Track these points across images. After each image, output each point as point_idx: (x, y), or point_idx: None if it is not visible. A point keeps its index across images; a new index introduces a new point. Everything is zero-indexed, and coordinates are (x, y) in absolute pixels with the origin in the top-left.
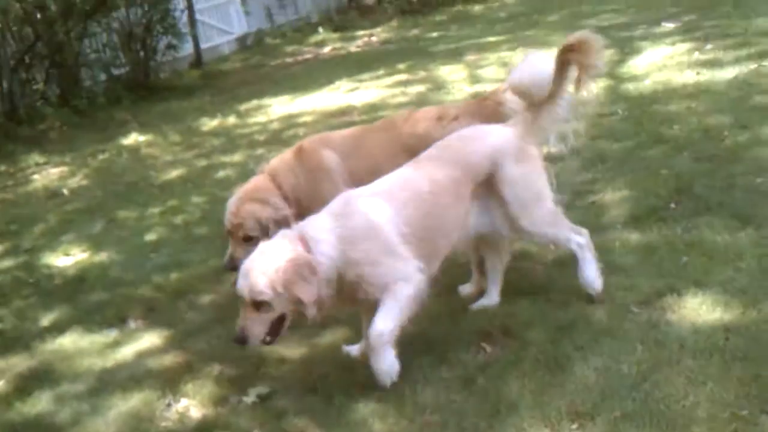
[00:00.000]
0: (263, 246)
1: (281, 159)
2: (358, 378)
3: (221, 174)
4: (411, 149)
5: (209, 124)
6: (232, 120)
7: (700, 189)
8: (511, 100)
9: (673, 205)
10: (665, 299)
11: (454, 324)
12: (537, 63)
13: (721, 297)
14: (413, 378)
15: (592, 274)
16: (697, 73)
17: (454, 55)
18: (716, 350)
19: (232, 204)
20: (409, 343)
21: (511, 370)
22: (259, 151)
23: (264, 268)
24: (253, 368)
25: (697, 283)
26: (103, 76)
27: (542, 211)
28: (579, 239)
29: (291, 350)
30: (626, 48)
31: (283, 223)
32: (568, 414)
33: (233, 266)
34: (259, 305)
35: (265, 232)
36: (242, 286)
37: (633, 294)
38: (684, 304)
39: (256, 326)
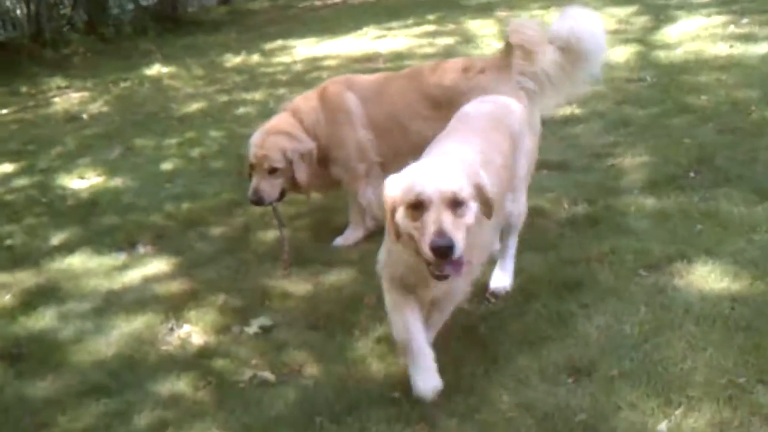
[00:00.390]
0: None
1: (305, 98)
2: (361, 319)
3: (241, 110)
4: (434, 99)
5: (233, 60)
6: (256, 58)
7: (721, 160)
8: (541, 60)
9: (692, 174)
10: (674, 265)
11: None
12: (579, 17)
13: (731, 267)
14: None
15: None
16: (731, 46)
17: (485, 10)
18: (720, 318)
19: (256, 137)
20: None
21: (513, 322)
22: (281, 91)
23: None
24: (257, 300)
25: (708, 251)
26: (130, 6)
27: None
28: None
29: (296, 286)
30: (661, 15)
31: (307, 156)
32: (565, 368)
33: (258, 199)
34: (273, 171)
35: (290, 165)
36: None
37: (643, 257)
38: (693, 271)
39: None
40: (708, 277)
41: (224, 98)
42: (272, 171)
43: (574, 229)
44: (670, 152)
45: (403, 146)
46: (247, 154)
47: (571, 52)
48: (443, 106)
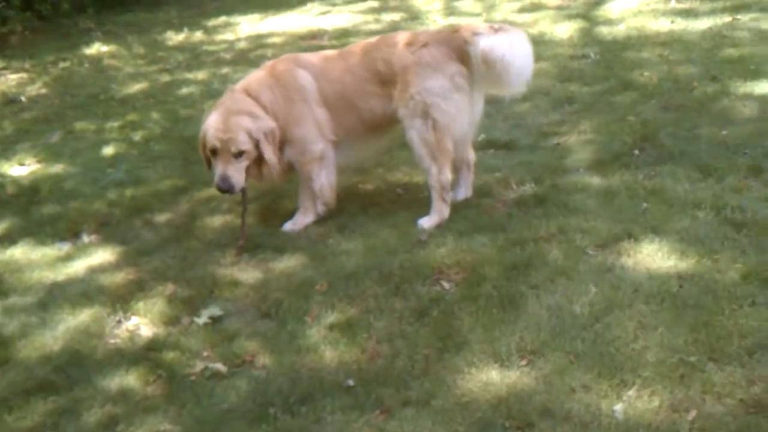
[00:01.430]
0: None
1: (255, 76)
2: (312, 306)
3: (184, 91)
4: (381, 76)
5: (175, 38)
6: (198, 36)
7: (665, 137)
8: (480, 44)
9: (636, 152)
10: (622, 244)
11: (410, 257)
12: (512, 46)
13: (678, 245)
14: (366, 307)
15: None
16: (672, 22)
17: None
18: (669, 296)
19: (215, 120)
20: (364, 274)
21: (465, 305)
22: (225, 69)
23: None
24: (206, 290)
25: (654, 229)
26: None
27: None
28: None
29: (246, 274)
30: None
31: (271, 135)
32: (518, 350)
33: (229, 186)
34: (239, 155)
35: (256, 146)
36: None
37: (590, 237)
38: (640, 249)
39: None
40: (655, 256)
41: (166, 78)
42: (238, 155)
43: (522, 209)
44: (615, 130)
45: (354, 124)
46: (203, 138)
47: (494, 72)
48: (389, 82)
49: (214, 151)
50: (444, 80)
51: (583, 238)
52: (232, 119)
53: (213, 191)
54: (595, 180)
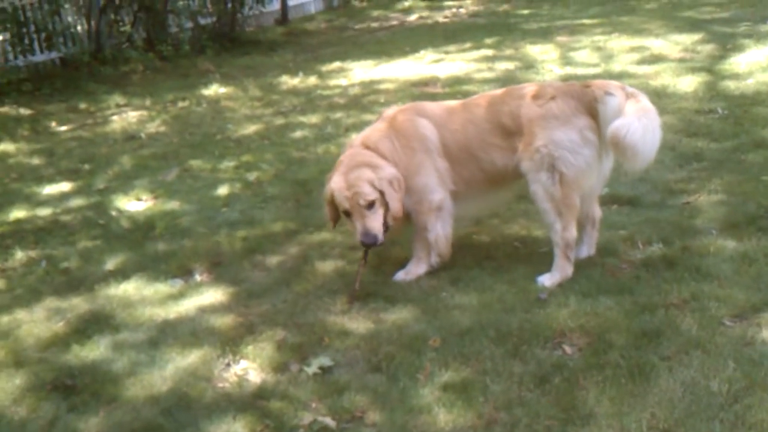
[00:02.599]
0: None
1: (373, 128)
2: (425, 363)
3: (298, 134)
4: (505, 128)
5: (289, 82)
6: (312, 80)
7: None
8: (610, 104)
9: None
10: (762, 315)
11: (529, 317)
12: (643, 131)
13: None
14: (483, 368)
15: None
16: None
17: (545, 35)
18: None
19: (338, 181)
20: (479, 332)
21: (590, 374)
22: (338, 114)
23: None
24: (316, 337)
25: None
26: (189, 24)
27: None
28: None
29: (356, 323)
30: (728, 44)
31: (396, 182)
32: (649, 428)
33: (373, 239)
34: (370, 206)
35: (382, 195)
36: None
37: (727, 306)
38: None
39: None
40: None
41: (281, 121)
42: (369, 206)
43: (650, 271)
44: (748, 190)
45: (474, 176)
46: (330, 199)
47: (619, 152)
48: (514, 134)
49: (347, 212)
50: (573, 133)
51: (719, 307)
52: (353, 174)
53: (325, 235)
54: (730, 243)
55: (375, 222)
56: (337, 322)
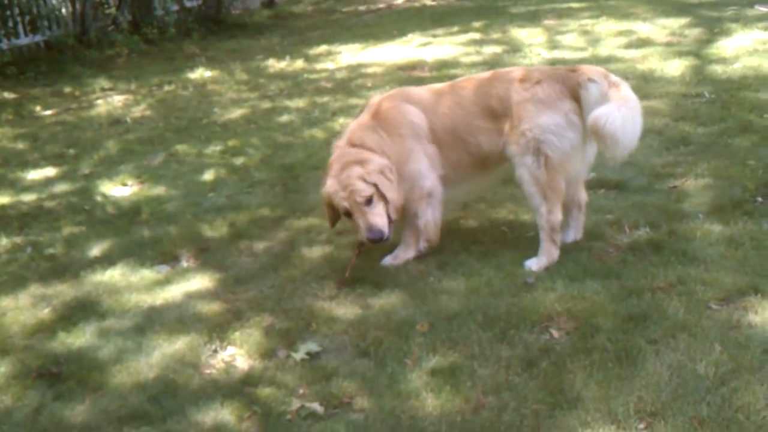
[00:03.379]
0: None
1: (358, 123)
2: (412, 347)
3: (284, 118)
4: (493, 110)
5: (276, 65)
6: (299, 64)
7: None
8: (593, 91)
9: (760, 199)
10: (748, 298)
11: (516, 301)
12: (623, 118)
13: None
14: (470, 353)
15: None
16: None
17: (532, 18)
18: None
19: (331, 184)
20: (467, 316)
21: (578, 358)
22: (325, 98)
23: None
24: (303, 323)
25: None
26: (175, 7)
27: None
28: None
29: (344, 309)
30: (715, 28)
31: (386, 171)
32: (636, 412)
33: (379, 233)
34: (368, 202)
35: (377, 188)
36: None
37: (713, 289)
38: None
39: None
40: None
41: (267, 105)
42: (368, 202)
43: (637, 255)
44: (735, 174)
45: (461, 160)
46: (329, 202)
47: (599, 140)
48: (500, 117)
49: (348, 213)
50: (558, 117)
51: (705, 291)
52: (344, 174)
53: (312, 220)
54: (716, 227)
55: (377, 217)
56: (324, 308)
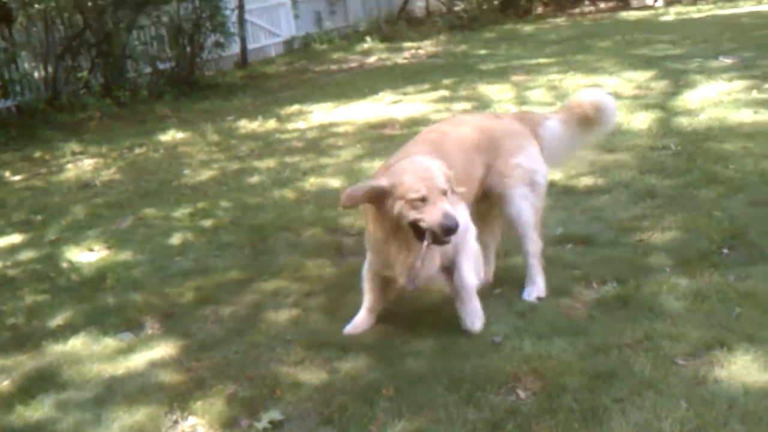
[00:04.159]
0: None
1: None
2: (378, 413)
3: (255, 179)
4: (479, 146)
5: (248, 126)
6: (271, 124)
7: (755, 235)
8: (550, 128)
9: (726, 251)
10: (714, 353)
11: (483, 362)
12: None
13: None
14: (436, 417)
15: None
16: (755, 112)
17: (501, 74)
18: (767, 414)
19: (409, 169)
20: (433, 379)
21: (543, 419)
22: (296, 158)
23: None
24: (267, 390)
25: (749, 337)
26: (147, 69)
27: None
28: None
29: (309, 374)
30: (680, 80)
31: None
32: None
33: (455, 222)
34: (444, 194)
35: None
36: (425, 176)
37: (680, 344)
38: (734, 359)
39: (452, 208)
40: (751, 367)
41: (237, 166)
42: (444, 193)
43: (605, 311)
44: (701, 226)
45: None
46: (397, 193)
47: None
48: (483, 150)
49: (423, 199)
50: (537, 149)
51: (672, 346)
52: (425, 165)
53: (281, 282)
54: (683, 281)
55: (451, 208)
56: (289, 374)
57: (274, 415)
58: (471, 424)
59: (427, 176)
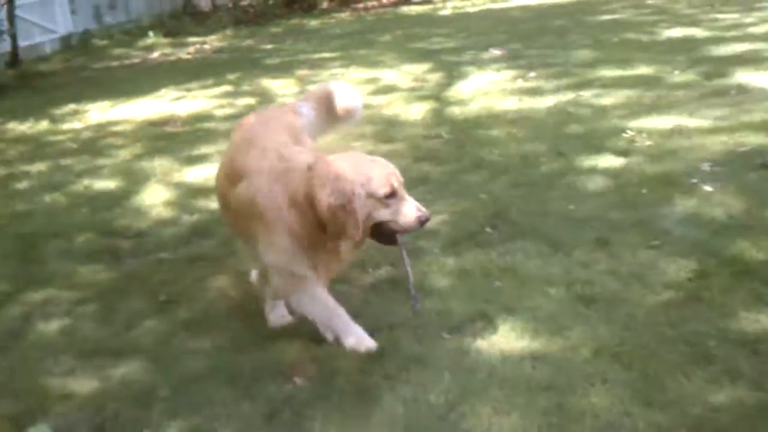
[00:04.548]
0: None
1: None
2: (153, 416)
3: (24, 184)
4: None
5: (18, 128)
6: (44, 125)
7: (515, 214)
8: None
9: (489, 230)
10: (476, 325)
11: (262, 354)
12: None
13: (531, 324)
14: (213, 413)
15: None
16: (519, 100)
17: (286, 69)
18: (523, 379)
19: (376, 167)
20: (211, 376)
21: (318, 403)
22: (69, 160)
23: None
24: (35, 404)
25: (508, 309)
26: None
27: None
28: None
29: (80, 384)
30: (454, 72)
31: None
32: None
33: (428, 215)
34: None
35: None
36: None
37: (445, 319)
38: (494, 330)
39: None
40: (509, 336)
41: (3, 171)
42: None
43: (379, 294)
44: (468, 208)
45: None
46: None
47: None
48: None
49: (393, 193)
50: None
51: (439, 322)
52: (379, 161)
53: (51, 291)
54: (450, 260)
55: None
56: (59, 385)
57: (42, 429)
58: (247, 416)
59: (393, 170)
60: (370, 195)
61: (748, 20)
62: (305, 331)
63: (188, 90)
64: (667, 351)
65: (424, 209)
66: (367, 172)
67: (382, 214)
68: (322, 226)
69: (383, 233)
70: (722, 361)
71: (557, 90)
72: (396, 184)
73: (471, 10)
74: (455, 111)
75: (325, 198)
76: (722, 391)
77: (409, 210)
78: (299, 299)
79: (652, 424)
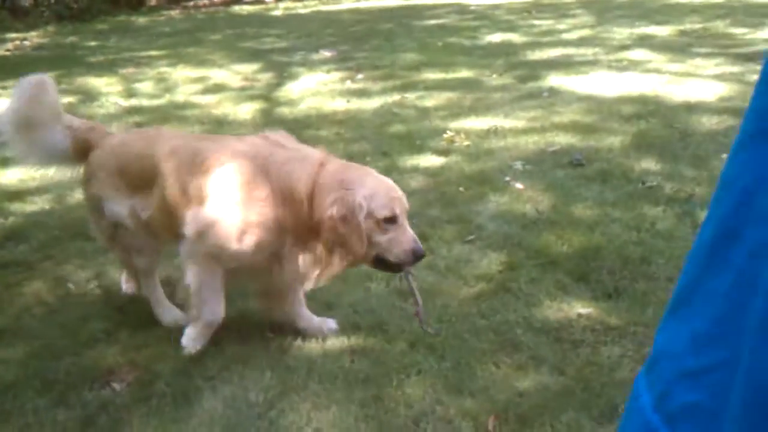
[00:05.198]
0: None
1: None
2: None
3: None
4: None
5: None
6: None
7: None
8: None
9: None
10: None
11: (78, 360)
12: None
13: (351, 318)
14: (25, 422)
15: None
16: (348, 101)
17: (110, 67)
18: (342, 373)
19: (380, 183)
20: (24, 384)
21: (137, 407)
22: None
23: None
24: None
25: (329, 305)
26: None
27: None
28: None
29: None
30: (284, 72)
31: None
32: None
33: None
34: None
35: None
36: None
37: (269, 319)
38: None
39: None
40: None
41: None
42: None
43: None
44: None
45: None
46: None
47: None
48: None
49: (393, 219)
50: None
51: (263, 321)
52: (383, 180)
53: None
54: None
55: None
56: None
57: None
58: (61, 424)
59: (399, 193)
60: (369, 215)
61: (562, 27)
62: (124, 337)
63: (4, 88)
64: (479, 340)
65: (420, 243)
66: (372, 188)
67: (377, 239)
68: (314, 229)
69: (380, 260)
70: (528, 348)
71: (384, 92)
72: (398, 211)
73: (302, 11)
74: (285, 111)
75: (327, 204)
76: (527, 377)
77: (406, 240)
78: (202, 270)
79: (462, 411)
